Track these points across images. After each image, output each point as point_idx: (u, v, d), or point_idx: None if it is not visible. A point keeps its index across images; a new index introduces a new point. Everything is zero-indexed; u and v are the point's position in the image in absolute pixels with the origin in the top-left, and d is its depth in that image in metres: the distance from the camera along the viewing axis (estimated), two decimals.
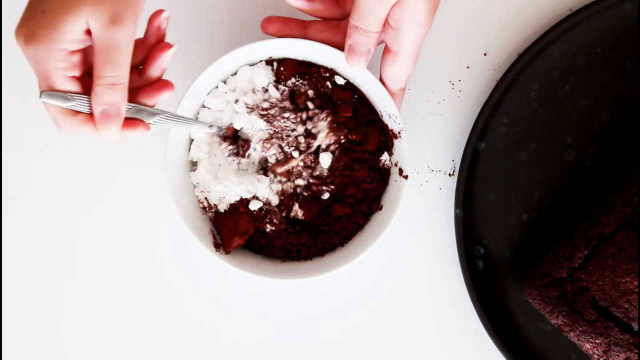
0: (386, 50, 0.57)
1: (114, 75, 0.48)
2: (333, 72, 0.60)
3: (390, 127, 0.60)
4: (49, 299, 0.66)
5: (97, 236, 0.66)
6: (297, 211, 0.61)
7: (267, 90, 0.60)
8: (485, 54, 0.65)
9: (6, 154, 0.66)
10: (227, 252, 0.60)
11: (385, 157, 0.60)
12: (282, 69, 0.60)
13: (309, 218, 0.61)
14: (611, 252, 0.56)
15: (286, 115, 0.60)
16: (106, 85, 0.48)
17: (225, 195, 0.60)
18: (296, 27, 0.59)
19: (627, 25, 0.62)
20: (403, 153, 0.59)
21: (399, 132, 0.59)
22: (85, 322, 0.66)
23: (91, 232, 0.66)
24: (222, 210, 0.61)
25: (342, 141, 0.60)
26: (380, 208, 0.60)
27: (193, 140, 0.61)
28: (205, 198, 0.61)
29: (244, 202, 0.60)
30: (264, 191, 0.60)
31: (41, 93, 0.48)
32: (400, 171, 0.59)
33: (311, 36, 0.59)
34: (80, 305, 0.66)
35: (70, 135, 0.50)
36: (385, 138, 0.61)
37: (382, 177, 0.61)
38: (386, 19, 0.54)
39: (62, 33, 0.46)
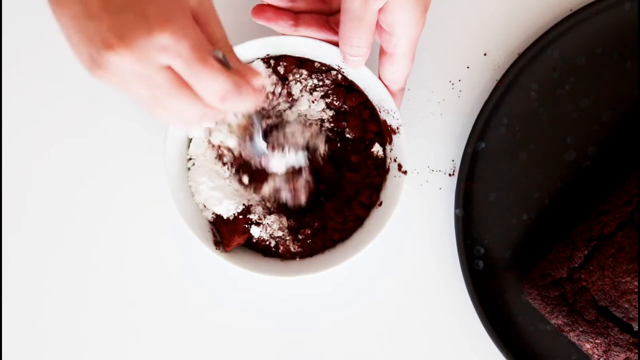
0: (382, 52, 0.57)
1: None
2: (330, 68, 0.61)
3: (388, 122, 0.60)
4: (48, 298, 0.66)
5: (95, 235, 0.66)
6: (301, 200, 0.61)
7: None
8: (485, 54, 0.65)
9: (6, 156, 0.66)
10: (227, 251, 0.60)
11: (376, 148, 0.60)
12: (281, 64, 0.60)
13: (309, 195, 0.61)
14: (611, 252, 0.56)
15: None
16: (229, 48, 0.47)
17: (213, 207, 0.60)
18: (287, 18, 0.58)
19: (627, 25, 0.62)
20: (402, 148, 0.59)
21: (397, 128, 0.59)
22: (86, 319, 0.66)
23: (89, 231, 0.66)
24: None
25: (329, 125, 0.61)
26: (380, 204, 0.60)
27: (192, 139, 0.61)
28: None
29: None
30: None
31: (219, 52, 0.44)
32: (400, 167, 0.59)
33: (302, 28, 0.59)
34: (81, 303, 0.66)
35: (236, 106, 0.46)
36: (378, 130, 0.61)
37: (376, 166, 0.61)
38: (379, 24, 0.54)
39: None
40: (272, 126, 0.61)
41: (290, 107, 0.61)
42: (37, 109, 0.66)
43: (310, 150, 0.61)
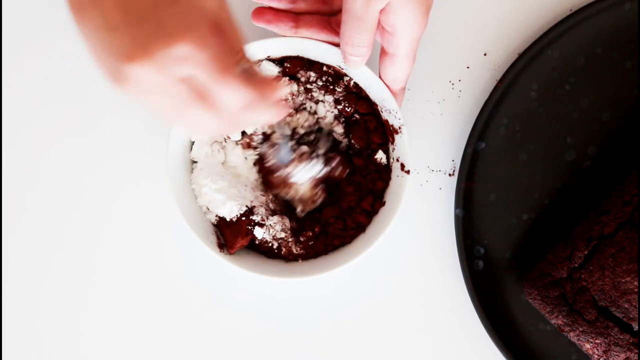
0: (383, 52, 0.57)
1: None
2: (340, 73, 0.60)
3: (390, 122, 0.60)
4: (48, 298, 0.66)
5: (95, 235, 0.66)
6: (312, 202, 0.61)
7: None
8: (485, 54, 0.65)
9: (6, 156, 0.66)
10: (230, 253, 0.60)
11: (379, 155, 0.60)
12: (285, 64, 0.60)
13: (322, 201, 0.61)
14: (611, 252, 0.56)
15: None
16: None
17: (216, 209, 0.60)
18: (287, 20, 0.58)
19: (627, 25, 0.62)
20: (404, 148, 0.59)
21: (399, 127, 0.59)
22: (86, 319, 0.66)
23: (90, 231, 0.66)
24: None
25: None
26: (384, 204, 0.60)
27: (194, 142, 0.61)
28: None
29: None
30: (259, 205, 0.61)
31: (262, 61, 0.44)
32: (402, 166, 0.59)
33: (302, 30, 0.59)
34: (81, 303, 0.66)
35: (258, 116, 0.46)
36: (383, 141, 0.61)
37: (379, 171, 0.61)
38: (380, 25, 0.54)
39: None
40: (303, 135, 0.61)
41: (316, 104, 0.61)
42: (37, 109, 0.66)
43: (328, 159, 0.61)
